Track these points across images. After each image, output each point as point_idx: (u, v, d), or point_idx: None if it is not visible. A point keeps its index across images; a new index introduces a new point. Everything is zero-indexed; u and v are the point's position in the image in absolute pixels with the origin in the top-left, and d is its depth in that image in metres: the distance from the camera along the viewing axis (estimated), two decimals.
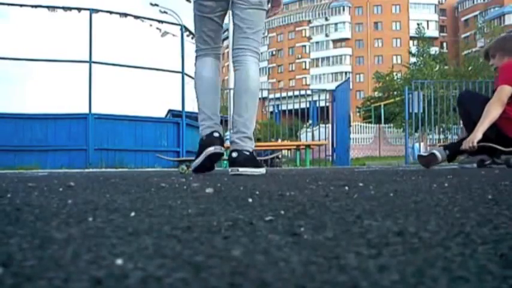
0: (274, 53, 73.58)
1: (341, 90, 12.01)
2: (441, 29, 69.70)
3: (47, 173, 4.62)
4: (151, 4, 24.52)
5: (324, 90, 14.48)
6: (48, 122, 8.11)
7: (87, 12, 8.46)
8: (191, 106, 9.61)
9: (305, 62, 71.07)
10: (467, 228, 0.89)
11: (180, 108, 9.44)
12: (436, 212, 1.11)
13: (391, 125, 30.55)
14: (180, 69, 9.34)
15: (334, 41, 70.13)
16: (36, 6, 8.37)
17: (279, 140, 14.41)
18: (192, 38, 7.72)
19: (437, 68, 32.75)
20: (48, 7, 8.46)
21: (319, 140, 12.85)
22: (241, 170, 2.87)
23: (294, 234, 0.86)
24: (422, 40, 38.29)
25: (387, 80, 37.54)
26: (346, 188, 1.86)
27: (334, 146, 11.93)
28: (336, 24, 70.43)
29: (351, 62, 69.20)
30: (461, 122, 4.97)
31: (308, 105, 14.49)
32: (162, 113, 11.51)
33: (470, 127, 4.03)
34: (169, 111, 11.11)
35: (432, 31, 63.94)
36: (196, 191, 1.80)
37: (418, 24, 43.80)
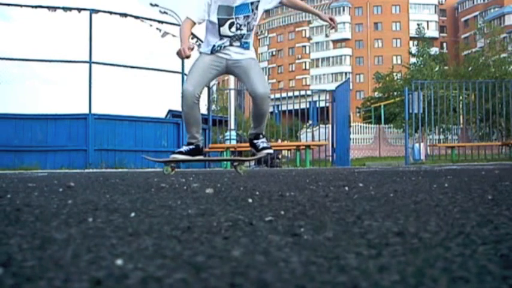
0: (274, 53, 73.44)
1: (341, 91, 12.00)
2: (441, 29, 69.60)
3: (46, 174, 4.62)
4: (151, 4, 24.49)
5: (324, 91, 14.47)
6: (48, 122, 8.10)
7: (87, 12, 8.46)
8: None
9: (305, 62, 70.94)
10: (467, 229, 0.89)
11: (180, 109, 9.42)
12: (436, 213, 1.11)
13: (391, 125, 30.46)
14: (180, 70, 9.33)
15: (334, 42, 70.00)
16: (36, 7, 8.36)
17: (279, 141, 14.39)
18: (192, 39, 7.73)
19: (437, 69, 32.66)
20: (48, 7, 8.45)
21: (319, 140, 12.85)
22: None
23: (294, 234, 0.86)
24: (422, 40, 38.20)
25: (387, 81, 37.44)
26: (346, 188, 1.86)
27: (334, 146, 11.91)
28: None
29: (351, 63, 69.07)
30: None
31: (308, 106, 14.48)
32: (162, 114, 11.48)
33: None
34: (169, 111, 11.09)
35: (432, 31, 63.83)
36: (196, 191, 1.80)
37: (418, 24, 43.71)
